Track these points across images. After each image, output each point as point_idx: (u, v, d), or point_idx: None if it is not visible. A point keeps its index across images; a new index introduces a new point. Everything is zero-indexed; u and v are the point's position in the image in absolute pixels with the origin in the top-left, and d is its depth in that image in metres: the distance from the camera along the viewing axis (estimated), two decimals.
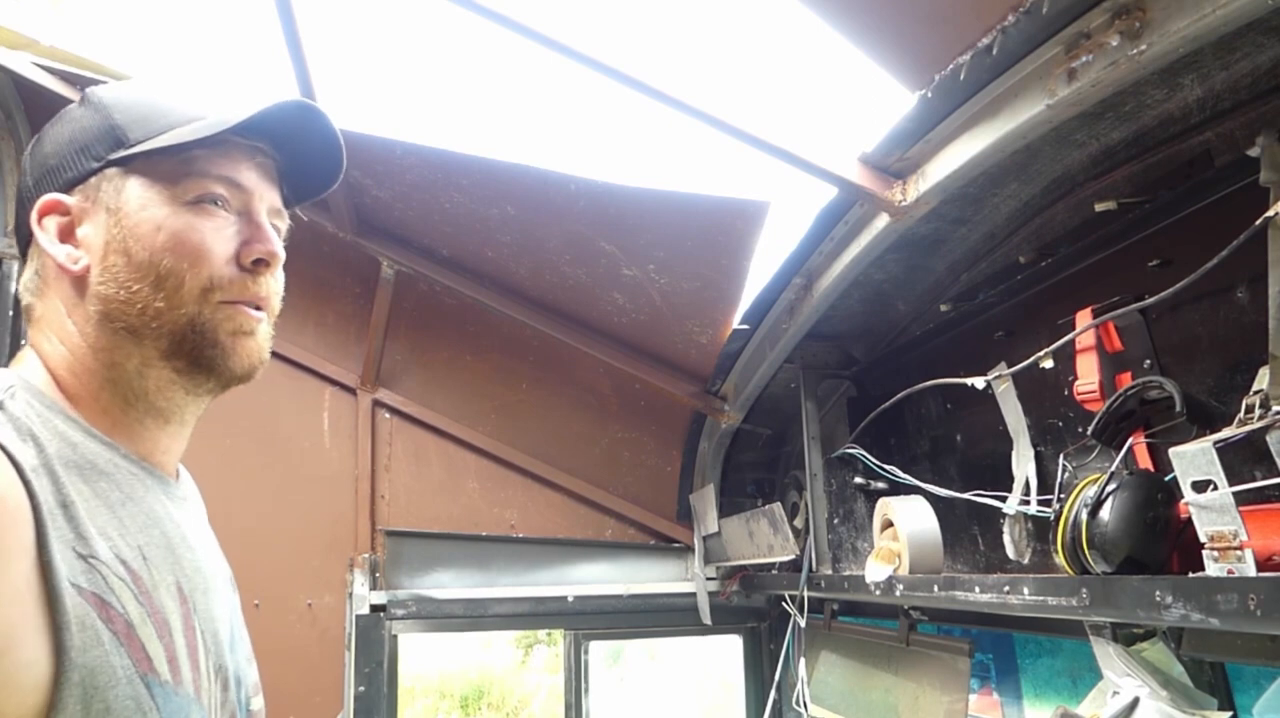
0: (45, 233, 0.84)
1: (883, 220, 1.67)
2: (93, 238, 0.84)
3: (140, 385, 0.85)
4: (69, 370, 0.83)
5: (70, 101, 0.91)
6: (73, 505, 0.72)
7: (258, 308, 0.89)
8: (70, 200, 0.85)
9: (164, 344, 0.84)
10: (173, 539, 0.84)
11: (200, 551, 0.89)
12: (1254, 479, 1.09)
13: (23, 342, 0.89)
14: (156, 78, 0.92)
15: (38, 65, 2.11)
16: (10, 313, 2.34)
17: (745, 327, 2.27)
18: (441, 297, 2.57)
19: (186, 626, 0.81)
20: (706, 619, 2.78)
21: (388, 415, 2.67)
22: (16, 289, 2.31)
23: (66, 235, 0.85)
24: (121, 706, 0.69)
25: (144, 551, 0.79)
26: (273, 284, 0.91)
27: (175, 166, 0.85)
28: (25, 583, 0.66)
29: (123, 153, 0.84)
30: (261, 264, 0.88)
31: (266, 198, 0.91)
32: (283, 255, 0.91)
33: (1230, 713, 1.36)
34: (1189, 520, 1.14)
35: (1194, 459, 1.09)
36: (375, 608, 2.49)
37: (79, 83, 2.14)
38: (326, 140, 0.96)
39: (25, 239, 0.87)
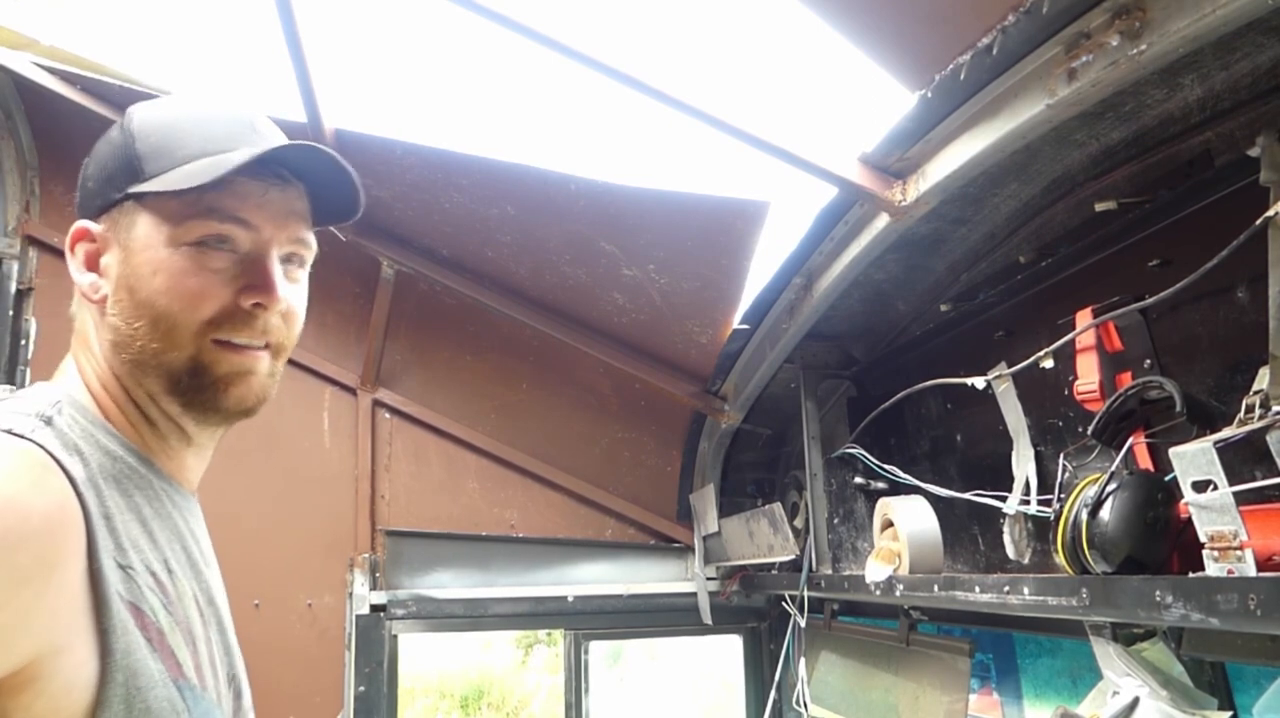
0: (74, 259, 0.86)
1: (883, 220, 1.67)
2: (111, 269, 0.85)
3: (155, 411, 0.86)
4: (101, 387, 0.85)
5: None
6: (113, 518, 0.75)
7: (264, 346, 0.88)
8: (97, 229, 0.86)
9: (163, 381, 0.84)
10: (193, 554, 0.89)
11: (214, 565, 0.94)
12: (1254, 479, 1.08)
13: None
14: (190, 94, 0.93)
15: (38, 65, 2.12)
16: (10, 313, 2.34)
17: (745, 327, 2.27)
18: (441, 297, 2.57)
19: (206, 636, 0.85)
20: (707, 619, 2.78)
21: (388, 415, 2.67)
22: (17, 289, 2.33)
23: (92, 263, 0.87)
24: (160, 707, 0.73)
25: (169, 563, 0.82)
26: (274, 321, 0.88)
27: (182, 205, 0.83)
28: (79, 588, 0.69)
29: (137, 188, 0.84)
30: (259, 307, 0.86)
31: (282, 232, 0.89)
32: (283, 297, 0.88)
33: (1230, 713, 1.36)
34: (1189, 520, 1.14)
35: (1194, 459, 1.09)
36: (375, 608, 2.49)
37: (79, 83, 2.15)
38: (341, 177, 0.93)
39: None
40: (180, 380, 0.84)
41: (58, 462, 0.71)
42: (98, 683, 0.69)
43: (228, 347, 0.85)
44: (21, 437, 0.71)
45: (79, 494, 0.71)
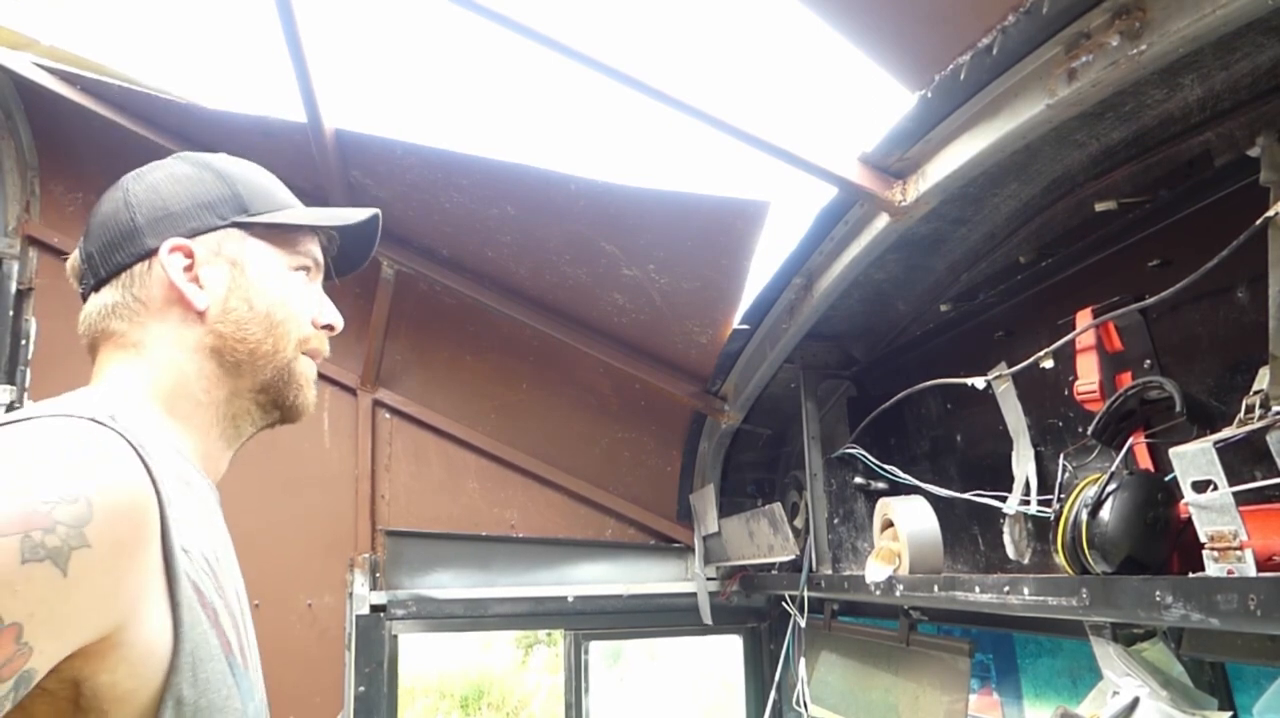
0: (175, 270, 0.95)
1: (883, 220, 1.67)
2: (214, 283, 0.97)
3: (224, 411, 0.99)
4: (170, 393, 0.94)
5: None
6: (174, 504, 0.81)
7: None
8: (194, 247, 0.97)
9: (260, 380, 0.99)
10: (228, 549, 0.97)
11: (237, 566, 1.00)
12: (1254, 479, 1.08)
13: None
14: (236, 158, 1.10)
15: (38, 65, 2.12)
16: (10, 313, 2.34)
17: (745, 327, 2.27)
18: (441, 297, 2.57)
19: (243, 622, 0.93)
20: (707, 619, 2.78)
21: (388, 415, 2.67)
22: (17, 289, 2.33)
23: (188, 275, 0.97)
24: (218, 678, 0.80)
25: (215, 552, 0.90)
26: (328, 345, 1.09)
27: (285, 240, 1.03)
28: (157, 563, 0.77)
29: (246, 218, 1.00)
30: (329, 328, 1.08)
31: (322, 276, 1.11)
32: (342, 327, 1.09)
33: (1230, 713, 1.36)
34: (1189, 520, 1.14)
35: (1194, 459, 1.09)
36: (375, 608, 2.49)
37: (79, 83, 2.15)
38: (370, 240, 1.16)
39: (115, 265, 0.96)
40: (277, 378, 1.00)
41: (134, 449, 0.78)
42: (171, 652, 0.76)
43: (308, 356, 1.04)
44: (105, 425, 0.78)
45: (153, 478, 0.78)
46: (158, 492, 0.77)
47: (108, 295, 0.96)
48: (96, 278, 0.97)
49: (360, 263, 1.19)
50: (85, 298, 0.99)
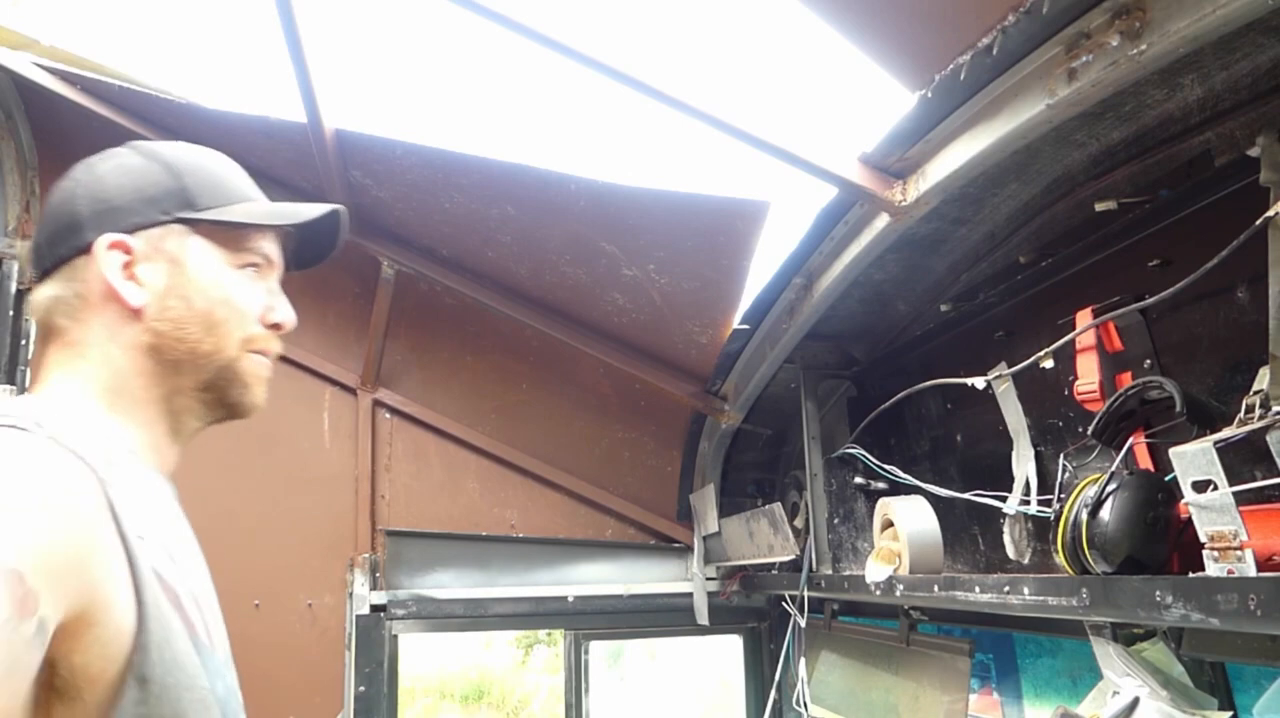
0: (110, 267, 0.93)
1: (883, 220, 1.67)
2: (153, 280, 0.95)
3: (166, 408, 0.97)
4: (109, 390, 0.93)
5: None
6: (119, 494, 0.81)
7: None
8: (133, 242, 0.95)
9: (202, 378, 0.98)
10: (187, 541, 0.96)
11: (201, 556, 0.99)
12: (1254, 479, 1.08)
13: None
14: (185, 145, 1.06)
15: (38, 65, 2.12)
16: (10, 313, 2.34)
17: (745, 327, 2.27)
18: (441, 297, 2.57)
19: (209, 608, 0.93)
20: (703, 620, 2.78)
21: (388, 415, 2.67)
22: (17, 289, 2.33)
23: (126, 272, 0.95)
24: (183, 657, 0.81)
25: (174, 542, 0.90)
26: (280, 344, 1.07)
27: (233, 237, 1.00)
28: (118, 544, 0.78)
29: (191, 214, 0.98)
30: (278, 326, 1.04)
31: (280, 271, 1.09)
32: (294, 325, 1.07)
33: (1230, 713, 1.36)
34: (1189, 520, 1.14)
35: (1194, 459, 1.09)
36: (375, 608, 2.49)
37: (79, 83, 2.15)
38: (333, 234, 1.14)
39: (56, 258, 0.95)
40: (220, 377, 0.99)
41: (58, 442, 0.78)
42: (136, 631, 0.77)
43: (256, 355, 1.02)
44: (25, 429, 0.78)
45: (90, 466, 0.78)
46: (100, 480, 0.78)
47: (51, 288, 0.95)
48: (41, 269, 0.96)
49: (324, 256, 1.16)
50: (32, 288, 0.98)
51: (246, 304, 1.00)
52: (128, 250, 0.94)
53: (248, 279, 1.01)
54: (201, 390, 0.98)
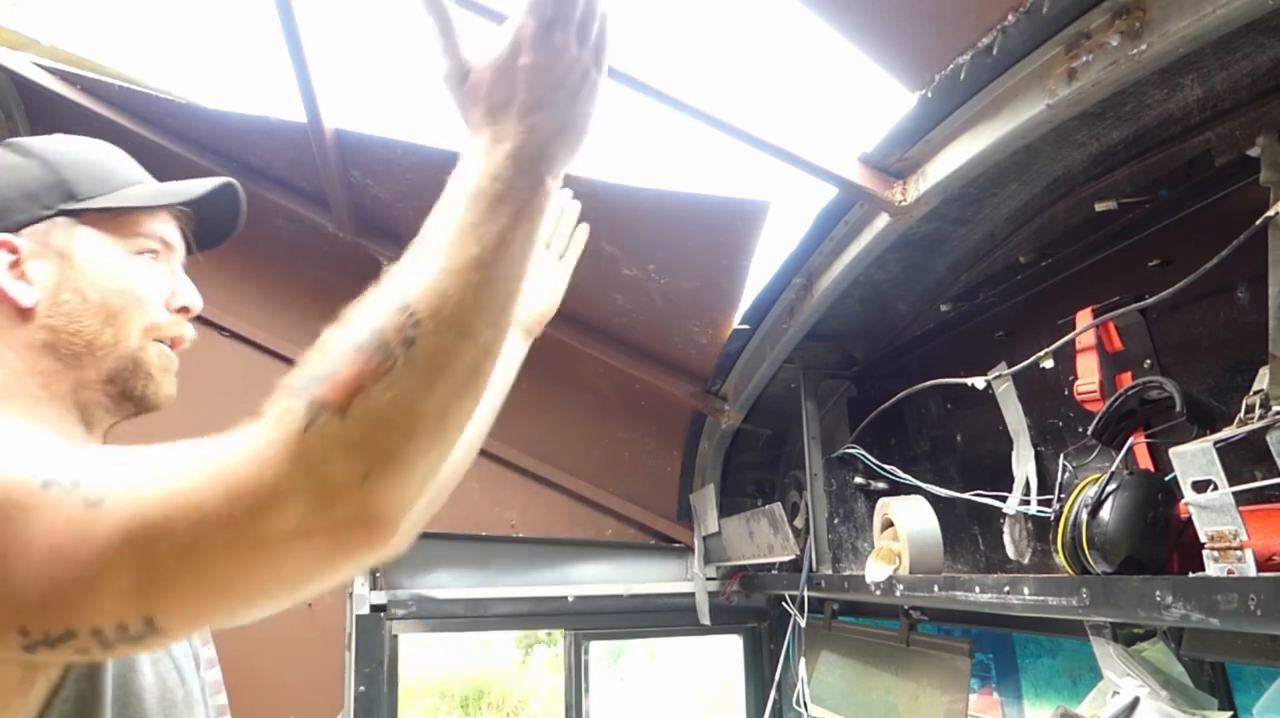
0: None
1: (883, 220, 1.67)
2: (42, 276, 0.93)
3: (72, 402, 0.94)
4: (11, 392, 0.90)
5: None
6: None
7: (174, 349, 1.02)
8: (18, 241, 0.93)
9: (104, 371, 0.95)
10: None
11: None
12: (1254, 479, 1.08)
13: None
14: (59, 136, 1.04)
15: (38, 65, 2.11)
16: None
17: (745, 327, 2.27)
18: None
19: None
20: (705, 620, 2.77)
21: None
22: None
23: (14, 272, 0.93)
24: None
25: None
26: (190, 328, 1.04)
27: (122, 223, 0.97)
28: None
29: (74, 205, 0.95)
30: (185, 310, 1.02)
31: (182, 254, 1.06)
32: (200, 307, 1.04)
33: (1230, 713, 1.36)
34: (1189, 520, 1.14)
35: (1194, 459, 1.09)
36: (375, 608, 2.49)
37: (79, 83, 2.14)
38: (234, 209, 1.10)
39: None
40: (123, 370, 0.96)
41: None
42: None
43: (161, 345, 0.99)
44: None
45: None
46: None
47: None
48: None
49: (227, 234, 1.12)
50: None
51: (145, 291, 0.97)
52: (13, 250, 0.93)
53: (145, 265, 0.99)
54: (105, 384, 0.95)
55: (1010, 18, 1.19)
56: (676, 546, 2.86)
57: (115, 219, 0.97)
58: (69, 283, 0.94)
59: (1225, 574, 1.03)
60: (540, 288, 1.52)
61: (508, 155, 0.81)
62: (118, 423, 1.00)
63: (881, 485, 2.20)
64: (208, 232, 1.09)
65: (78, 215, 0.96)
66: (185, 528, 0.65)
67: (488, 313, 0.75)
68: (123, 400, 0.98)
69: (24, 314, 0.92)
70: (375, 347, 0.70)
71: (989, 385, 1.72)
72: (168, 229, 1.02)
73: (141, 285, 0.97)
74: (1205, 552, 1.07)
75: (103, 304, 0.94)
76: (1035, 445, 1.68)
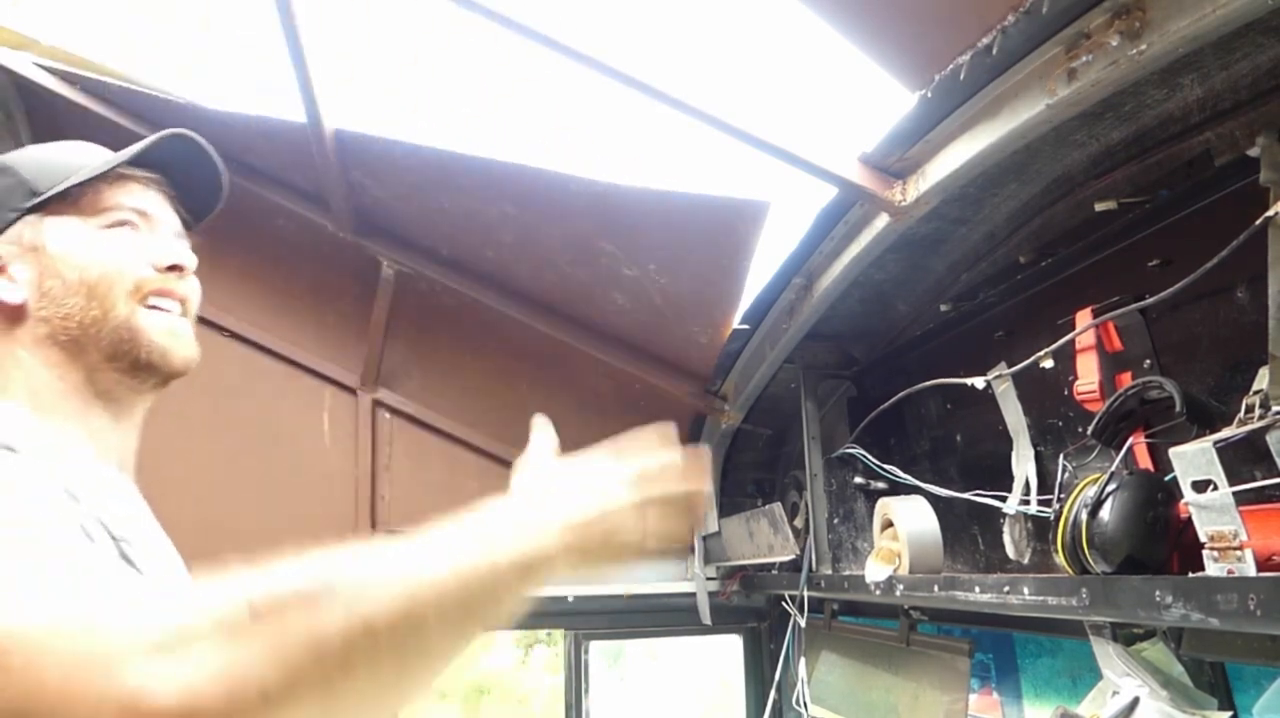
0: None
1: (883, 220, 1.67)
2: (24, 274, 0.96)
3: (91, 390, 0.96)
4: (29, 391, 0.92)
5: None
6: (53, 471, 0.77)
7: (182, 312, 1.02)
8: None
9: (104, 348, 0.95)
10: (151, 534, 0.94)
11: (169, 547, 0.97)
12: (1254, 479, 1.08)
13: None
14: (36, 146, 1.07)
15: (38, 65, 2.11)
16: None
17: (745, 327, 2.27)
18: (441, 297, 2.57)
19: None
20: (706, 620, 2.77)
21: (388, 415, 2.67)
22: None
23: (1, 277, 0.96)
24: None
25: (130, 526, 0.84)
26: (190, 286, 1.04)
27: (85, 203, 0.99)
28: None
29: (36, 200, 0.97)
30: (176, 268, 1.01)
31: (169, 222, 1.06)
32: (193, 263, 1.04)
33: (1230, 713, 1.36)
34: (1189, 520, 1.14)
35: (1194, 459, 1.09)
36: None
37: (79, 83, 2.15)
38: (209, 164, 1.10)
39: None
40: (122, 341, 0.96)
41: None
42: None
43: (156, 308, 0.99)
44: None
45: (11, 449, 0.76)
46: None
47: None
48: None
49: (216, 196, 1.13)
50: None
51: (119, 258, 0.98)
52: None
53: (117, 236, 1.00)
54: (111, 360, 0.96)
55: (1010, 18, 1.19)
56: (676, 546, 2.86)
57: (76, 201, 0.99)
58: (48, 271, 0.96)
59: (1225, 574, 1.03)
60: None
61: (540, 565, 0.79)
62: (149, 401, 1.01)
63: (881, 485, 2.20)
64: (196, 200, 1.10)
65: (42, 209, 0.98)
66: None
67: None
68: (136, 373, 0.98)
69: (17, 313, 0.95)
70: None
71: (989, 385, 1.72)
72: (140, 198, 1.02)
73: (114, 254, 0.98)
74: (1205, 552, 1.07)
75: (81, 281, 0.96)
76: (1035, 445, 1.68)
